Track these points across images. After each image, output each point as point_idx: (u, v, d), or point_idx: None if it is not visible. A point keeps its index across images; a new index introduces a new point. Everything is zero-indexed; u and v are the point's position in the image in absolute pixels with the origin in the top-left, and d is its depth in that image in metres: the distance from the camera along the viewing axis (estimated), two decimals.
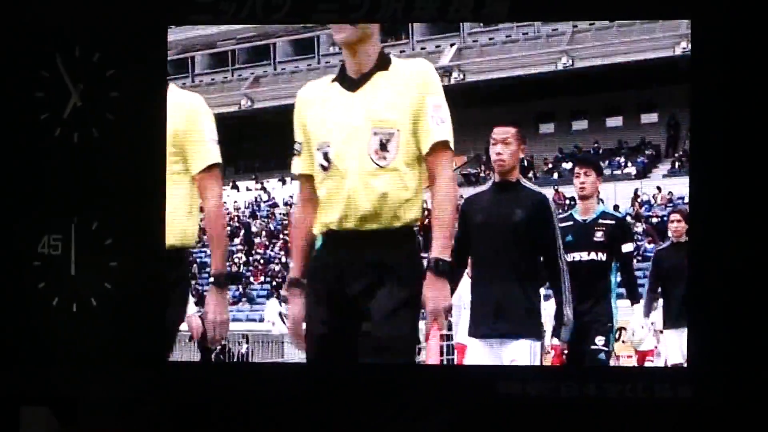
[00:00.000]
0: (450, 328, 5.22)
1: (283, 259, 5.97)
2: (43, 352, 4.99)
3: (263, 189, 6.71)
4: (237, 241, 6.38)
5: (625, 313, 5.33)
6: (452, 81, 6.13)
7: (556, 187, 5.92)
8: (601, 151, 6.16)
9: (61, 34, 4.95)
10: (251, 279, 6.27)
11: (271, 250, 6.16)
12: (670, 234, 5.48)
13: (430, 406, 4.78)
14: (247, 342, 5.71)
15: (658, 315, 5.47)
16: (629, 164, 6.22)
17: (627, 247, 5.29)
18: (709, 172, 4.71)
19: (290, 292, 4.91)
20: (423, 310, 4.79)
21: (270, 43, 6.28)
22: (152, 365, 4.92)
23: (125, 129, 4.95)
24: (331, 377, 4.81)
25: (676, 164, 6.09)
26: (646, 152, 6.26)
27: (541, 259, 5.01)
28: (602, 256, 5.24)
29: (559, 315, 4.98)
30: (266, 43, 6.32)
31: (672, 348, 5.29)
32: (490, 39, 6.17)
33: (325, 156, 4.78)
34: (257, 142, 5.85)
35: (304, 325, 4.88)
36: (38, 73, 4.98)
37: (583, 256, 5.23)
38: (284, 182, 6.27)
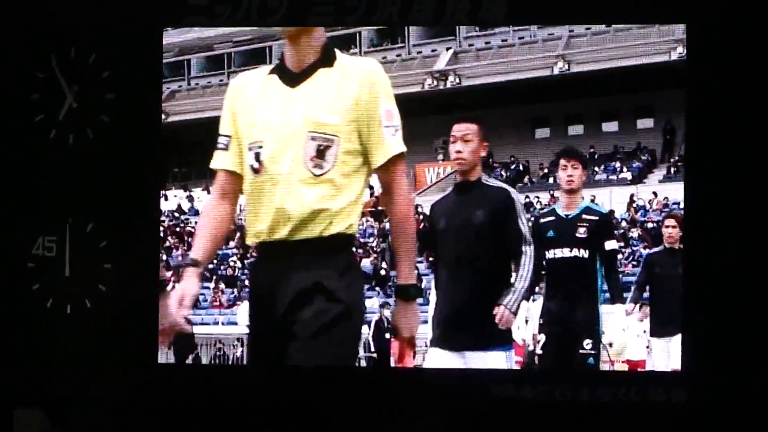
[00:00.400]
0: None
1: None
2: (38, 354, 4.98)
3: None
4: (232, 244, 6.37)
5: (607, 317, 5.22)
6: (448, 85, 6.14)
7: (551, 192, 5.91)
8: (597, 156, 6.16)
9: (57, 36, 4.95)
10: (246, 282, 6.26)
11: None
12: (664, 239, 5.46)
13: (424, 409, 4.77)
14: (242, 345, 5.69)
15: (647, 324, 5.43)
16: (625, 169, 6.22)
17: (610, 245, 5.12)
18: (704, 177, 4.70)
19: (184, 270, 4.51)
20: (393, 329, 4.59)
21: (266, 46, 6.27)
22: (146, 366, 4.92)
23: (121, 131, 4.95)
24: (326, 380, 4.79)
25: (672, 169, 6.09)
26: (642, 157, 6.26)
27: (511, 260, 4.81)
28: (584, 253, 5.07)
29: (512, 284, 4.76)
30: (262, 46, 6.32)
31: (658, 357, 5.25)
32: (487, 43, 6.18)
33: (257, 157, 4.36)
34: None
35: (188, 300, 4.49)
36: (33, 74, 4.98)
37: (565, 252, 5.08)
38: None
